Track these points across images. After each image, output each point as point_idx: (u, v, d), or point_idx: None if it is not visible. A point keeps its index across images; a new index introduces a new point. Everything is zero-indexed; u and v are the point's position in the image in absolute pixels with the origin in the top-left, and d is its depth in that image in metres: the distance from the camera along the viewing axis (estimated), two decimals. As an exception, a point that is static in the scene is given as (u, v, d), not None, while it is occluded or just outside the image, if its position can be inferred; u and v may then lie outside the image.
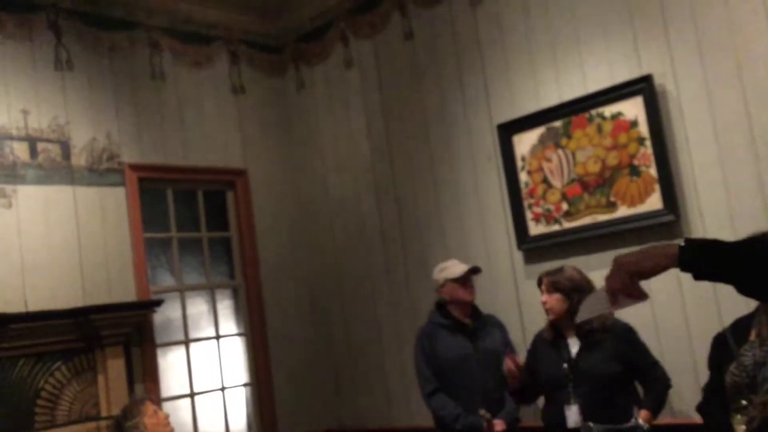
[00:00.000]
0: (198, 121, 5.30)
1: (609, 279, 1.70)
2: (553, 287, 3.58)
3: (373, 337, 5.27)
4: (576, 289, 3.50)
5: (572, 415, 3.46)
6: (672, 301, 3.84)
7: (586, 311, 1.94)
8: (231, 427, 5.23)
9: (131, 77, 5.01)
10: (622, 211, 4.02)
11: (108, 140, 4.80)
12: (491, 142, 4.58)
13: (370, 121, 5.31)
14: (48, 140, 4.55)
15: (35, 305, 4.28)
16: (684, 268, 1.61)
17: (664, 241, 1.88)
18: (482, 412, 3.68)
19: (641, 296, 1.69)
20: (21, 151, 4.43)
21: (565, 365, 3.50)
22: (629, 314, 3.33)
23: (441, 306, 4.10)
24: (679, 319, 3.85)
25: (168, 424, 3.65)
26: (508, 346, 3.99)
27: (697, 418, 3.00)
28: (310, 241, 5.69)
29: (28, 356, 4.20)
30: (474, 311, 4.10)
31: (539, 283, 3.68)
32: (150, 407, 3.73)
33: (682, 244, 1.62)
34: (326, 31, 5.57)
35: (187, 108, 5.27)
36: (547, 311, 3.62)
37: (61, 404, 4.29)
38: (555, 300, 3.57)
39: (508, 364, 3.66)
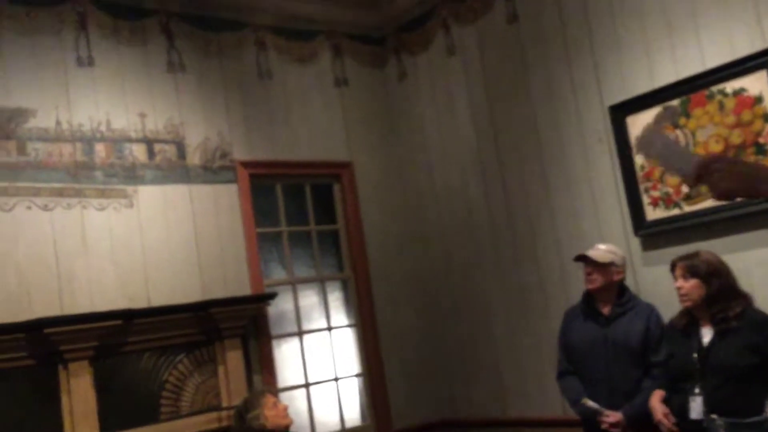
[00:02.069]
0: (304, 116, 5.38)
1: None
2: (690, 272, 3.37)
3: (484, 326, 5.21)
4: (714, 274, 3.32)
5: (696, 406, 3.29)
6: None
7: (662, 153, 1.79)
8: (345, 417, 5.30)
9: (239, 76, 5.13)
10: (749, 193, 3.79)
11: (220, 139, 4.93)
12: (603, 124, 4.42)
13: (475, 108, 5.23)
14: (164, 141, 4.72)
15: (157, 300, 4.46)
16: None
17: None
18: (584, 400, 3.62)
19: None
20: (139, 152, 4.61)
21: (695, 355, 3.33)
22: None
23: (587, 291, 4.00)
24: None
25: (287, 415, 3.73)
26: (651, 337, 3.78)
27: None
28: (417, 232, 5.67)
29: (152, 350, 4.38)
30: (620, 298, 3.92)
31: (672, 269, 3.48)
32: (270, 399, 3.82)
33: None
34: (428, 19, 5.53)
35: (293, 103, 5.35)
36: (683, 298, 3.40)
37: (184, 395, 4.46)
38: (691, 286, 3.36)
39: (657, 416, 3.47)
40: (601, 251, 3.96)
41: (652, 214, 4.18)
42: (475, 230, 5.26)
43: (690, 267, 3.39)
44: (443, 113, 5.47)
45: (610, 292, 3.90)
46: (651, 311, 3.87)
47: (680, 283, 3.41)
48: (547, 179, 4.77)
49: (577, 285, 4.26)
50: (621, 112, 4.30)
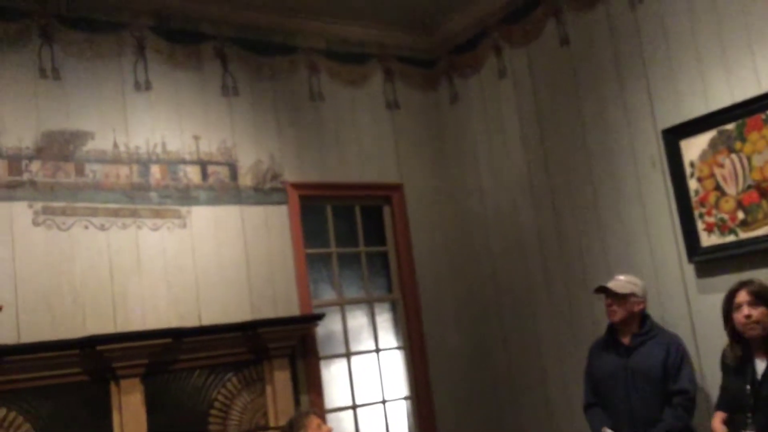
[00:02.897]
0: (354, 138, 5.43)
1: None
2: (758, 299, 3.23)
3: (533, 350, 5.14)
4: None
5: None
6: None
7: None
8: (392, 440, 5.28)
9: (291, 99, 5.21)
10: (808, 219, 3.67)
11: (271, 161, 5.01)
12: (656, 148, 4.34)
13: (526, 131, 5.20)
14: (217, 163, 4.82)
15: (208, 319, 4.54)
16: None
17: None
18: (604, 429, 3.71)
19: None
20: (194, 174, 4.72)
21: (748, 387, 3.22)
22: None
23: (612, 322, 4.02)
24: None
25: (331, 437, 3.74)
26: (671, 365, 3.74)
27: None
28: (467, 255, 5.64)
29: (202, 368, 4.45)
30: (641, 328, 3.90)
31: (732, 296, 3.34)
32: (314, 420, 3.83)
33: None
34: (479, 42, 5.53)
35: (344, 126, 5.40)
36: (752, 326, 3.23)
37: (233, 414, 4.51)
38: (760, 313, 3.21)
39: None
40: (621, 282, 3.96)
41: (707, 240, 4.07)
42: (525, 254, 5.20)
43: (758, 293, 3.24)
44: (494, 136, 5.45)
45: (631, 322, 3.92)
46: (671, 340, 3.85)
47: (749, 310, 3.24)
48: (599, 203, 4.70)
49: (628, 312, 4.18)
50: (675, 135, 4.21)
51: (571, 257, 4.88)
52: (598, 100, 4.69)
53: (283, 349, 4.66)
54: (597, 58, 4.69)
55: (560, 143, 4.95)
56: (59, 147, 4.32)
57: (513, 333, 5.31)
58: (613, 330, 4.00)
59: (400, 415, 5.39)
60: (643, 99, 4.42)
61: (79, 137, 4.40)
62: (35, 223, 4.17)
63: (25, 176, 4.19)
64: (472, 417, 5.42)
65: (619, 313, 3.91)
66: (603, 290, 3.97)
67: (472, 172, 5.62)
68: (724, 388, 3.43)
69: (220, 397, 4.49)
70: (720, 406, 3.46)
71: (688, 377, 3.75)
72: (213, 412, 4.45)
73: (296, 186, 5.07)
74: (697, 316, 4.11)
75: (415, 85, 5.81)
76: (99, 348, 4.04)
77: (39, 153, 4.25)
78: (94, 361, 4.07)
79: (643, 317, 3.95)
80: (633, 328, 3.92)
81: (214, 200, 4.75)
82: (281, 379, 4.64)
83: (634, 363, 3.82)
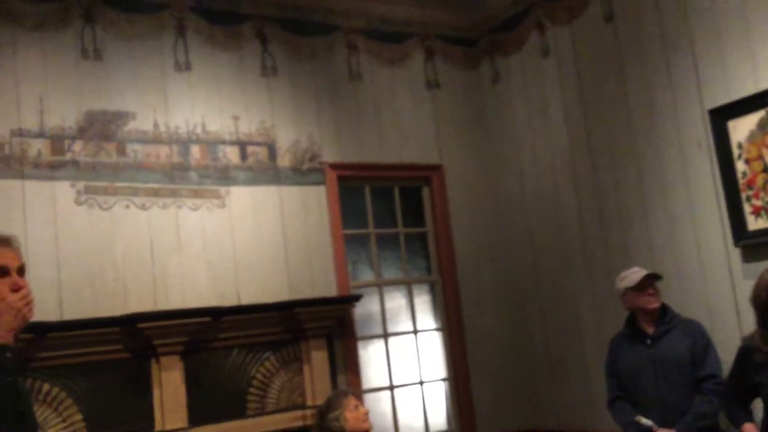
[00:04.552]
0: (394, 119, 5.38)
1: None
2: None
3: (574, 335, 5.07)
4: None
5: None
6: None
7: None
8: (430, 421, 5.27)
9: (330, 79, 5.19)
10: None
11: (310, 141, 5.01)
12: (702, 128, 4.21)
13: (569, 110, 5.09)
14: (256, 143, 4.83)
15: (246, 299, 4.58)
16: None
17: None
18: (638, 418, 3.63)
19: None
20: (233, 154, 4.74)
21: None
22: None
23: (631, 315, 3.93)
24: None
25: (367, 420, 3.72)
26: (698, 351, 3.67)
27: None
28: (506, 237, 5.58)
29: (240, 346, 4.50)
30: (663, 317, 3.81)
31: None
32: (352, 401, 3.83)
33: None
34: (521, 19, 5.43)
35: (383, 106, 5.37)
36: None
37: (270, 392, 4.55)
38: None
39: None
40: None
41: (754, 224, 3.95)
42: (566, 235, 5.12)
43: None
44: (536, 116, 5.35)
45: (657, 312, 3.80)
46: (695, 326, 3.80)
47: None
48: (643, 184, 4.59)
49: (671, 294, 4.09)
50: (722, 116, 4.07)
51: (613, 239, 4.78)
52: (643, 79, 4.56)
53: (320, 329, 4.68)
54: (642, 35, 4.56)
55: (604, 123, 4.84)
56: (101, 127, 4.37)
57: (552, 316, 5.24)
58: (633, 321, 3.92)
59: (437, 397, 5.39)
60: (689, 78, 4.28)
61: (120, 117, 4.45)
62: (77, 203, 4.24)
63: (68, 156, 4.26)
64: (510, 400, 5.38)
65: (659, 301, 3.84)
66: (656, 277, 3.87)
67: (512, 152, 5.53)
68: (750, 383, 3.28)
69: (258, 376, 4.54)
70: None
71: (715, 361, 3.70)
72: (251, 390, 4.50)
73: (335, 166, 5.06)
74: (742, 302, 3.99)
75: (455, 65, 5.74)
76: (140, 326, 4.10)
77: (81, 133, 4.31)
78: (135, 339, 4.14)
79: (663, 306, 3.88)
80: (656, 317, 3.85)
81: (253, 180, 4.76)
82: (318, 358, 4.66)
83: (661, 352, 3.75)
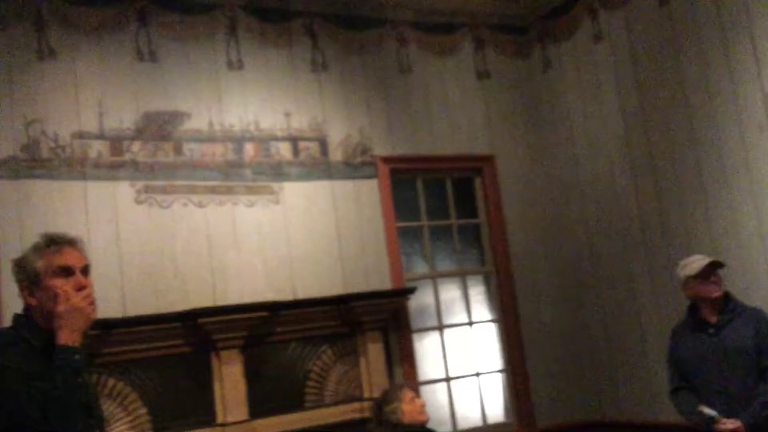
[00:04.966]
0: (444, 110, 5.37)
1: None
2: None
3: (634, 325, 4.99)
4: None
5: None
6: None
7: None
8: (487, 413, 5.26)
9: (380, 73, 5.20)
10: None
11: (361, 135, 5.03)
12: (763, 111, 4.09)
13: (624, 96, 5.00)
14: (308, 139, 4.88)
15: (302, 293, 4.63)
16: None
17: None
18: (701, 407, 3.55)
19: None
20: (285, 150, 4.80)
21: None
22: None
23: (693, 303, 3.82)
24: None
25: (424, 412, 3.74)
26: (762, 340, 3.56)
27: None
28: (561, 226, 5.52)
29: (297, 340, 4.56)
30: (726, 306, 3.70)
31: None
32: (408, 394, 3.84)
33: None
34: (573, 5, 5.35)
35: (434, 98, 5.35)
36: None
37: (328, 385, 4.60)
38: None
39: None
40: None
41: (821, 208, 3.82)
42: (624, 223, 5.03)
43: None
44: (589, 103, 5.27)
45: (720, 300, 3.69)
46: (758, 314, 3.67)
47: None
48: (702, 170, 4.48)
49: (733, 281, 3.99)
50: (784, 97, 3.95)
51: (673, 227, 4.69)
52: (700, 63, 4.45)
53: (376, 323, 4.71)
54: (698, 16, 4.44)
55: (661, 109, 4.74)
56: (158, 127, 4.47)
57: (611, 306, 5.16)
58: (695, 310, 3.82)
59: (494, 388, 5.37)
60: (748, 59, 4.16)
61: (176, 117, 4.54)
62: (137, 202, 4.35)
63: (127, 156, 4.37)
64: (569, 391, 5.33)
65: (721, 289, 3.74)
66: (718, 265, 3.77)
67: (566, 141, 5.46)
68: None
69: (315, 369, 4.59)
70: None
71: None
72: (309, 383, 4.56)
73: (386, 159, 5.08)
74: (809, 289, 3.88)
75: (506, 53, 5.68)
76: (200, 321, 4.19)
77: (139, 133, 4.42)
78: (195, 334, 4.23)
79: (726, 294, 3.77)
80: (718, 305, 3.74)
81: (306, 176, 4.81)
82: (374, 351, 4.69)
83: (724, 341, 3.64)
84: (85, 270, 2.10)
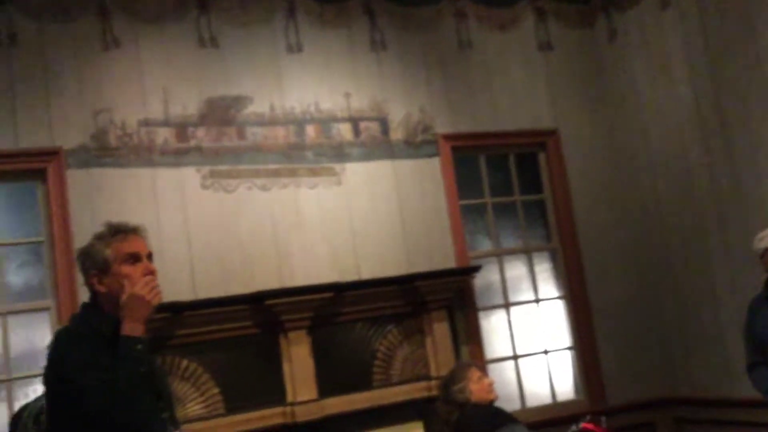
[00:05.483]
0: (506, 85, 5.27)
1: None
2: None
3: (708, 299, 4.85)
4: None
5: None
6: None
7: None
8: (557, 390, 5.20)
9: (440, 49, 5.14)
10: None
11: (421, 113, 4.99)
12: None
13: (694, 65, 4.81)
14: (368, 119, 4.87)
15: (366, 273, 4.65)
16: None
17: None
18: None
19: None
20: (346, 131, 4.80)
21: None
22: None
23: None
24: None
25: (492, 390, 3.72)
26: None
27: None
28: (630, 200, 5.38)
29: (363, 320, 4.59)
30: None
31: None
32: (475, 373, 3.83)
33: None
34: (638, -29, 5.17)
35: (495, 72, 5.26)
36: None
37: (395, 364, 4.62)
38: None
39: None
40: None
41: None
42: (696, 197, 4.87)
43: None
44: (657, 73, 5.10)
45: None
46: None
47: None
48: (778, 139, 4.30)
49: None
50: None
51: (748, 198, 4.51)
52: (775, 26, 4.25)
53: (441, 301, 4.70)
54: (774, -22, 4.24)
55: (733, 76, 4.55)
56: (221, 112, 4.53)
57: (684, 282, 5.02)
58: None
59: (563, 366, 5.30)
60: (829, 20, 3.95)
61: (238, 102, 4.59)
62: (203, 187, 4.43)
63: (192, 142, 4.44)
64: (640, 368, 5.22)
65: None
66: None
67: (633, 112, 5.31)
68: None
69: (382, 348, 4.61)
70: None
71: None
72: (376, 362, 4.58)
73: (447, 137, 5.03)
74: None
75: (569, 24, 5.54)
76: (267, 303, 4.25)
77: (203, 119, 4.49)
78: (263, 315, 4.30)
79: None
80: None
81: (367, 156, 4.81)
82: (440, 330, 4.68)
83: None
84: (150, 257, 2.15)
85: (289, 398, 4.31)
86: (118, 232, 2.13)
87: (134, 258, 2.10)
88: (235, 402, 4.20)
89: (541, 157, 5.39)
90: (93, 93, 4.30)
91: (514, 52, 5.35)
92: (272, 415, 4.25)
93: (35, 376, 3.80)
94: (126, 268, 2.08)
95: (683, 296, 5.04)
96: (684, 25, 4.86)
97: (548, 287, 5.37)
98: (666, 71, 5.01)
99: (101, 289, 2.10)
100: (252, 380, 4.27)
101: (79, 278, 2.18)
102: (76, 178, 4.19)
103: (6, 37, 4.21)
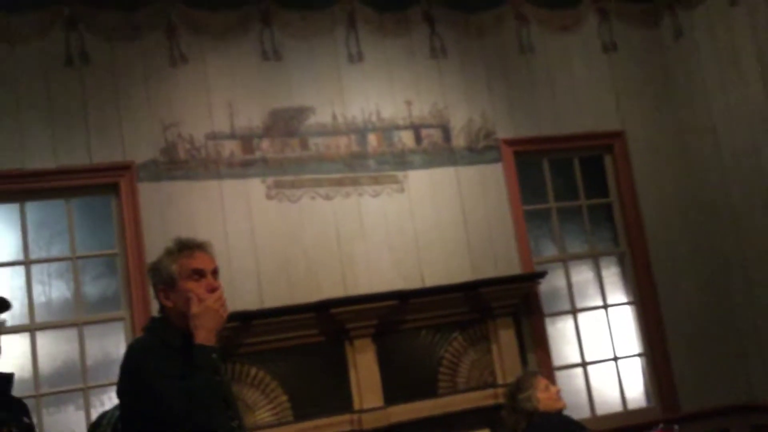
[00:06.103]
0: (568, 87, 5.21)
1: None
2: None
3: (785, 304, 4.68)
4: None
5: None
6: None
7: None
8: (627, 397, 5.09)
9: (501, 54, 5.11)
10: None
11: (483, 119, 4.97)
12: None
13: (765, 61, 4.66)
14: (430, 126, 4.87)
15: (430, 280, 4.65)
16: None
17: None
18: None
19: None
20: (407, 138, 4.82)
21: None
22: None
23: None
24: None
25: (560, 398, 3.67)
26: None
27: None
28: (700, 202, 5.24)
29: (428, 327, 4.58)
30: None
31: None
32: (542, 381, 3.78)
33: None
34: (704, -34, 5.04)
35: (557, 75, 5.20)
36: None
37: (460, 371, 4.60)
38: None
39: None
40: None
41: None
42: (770, 197, 4.72)
43: None
44: (726, 70, 4.95)
45: None
46: None
47: None
48: None
49: None
50: None
51: (826, 199, 4.35)
52: None
53: (506, 308, 4.66)
54: None
55: (807, 71, 4.39)
56: (285, 124, 4.61)
57: (759, 287, 4.86)
58: None
59: (634, 372, 5.18)
60: None
61: (301, 113, 4.66)
62: (268, 197, 4.51)
63: (257, 154, 4.53)
64: (715, 374, 5.06)
65: None
66: None
67: (702, 112, 5.16)
68: None
69: (447, 355, 4.60)
70: None
71: None
72: (441, 369, 4.57)
73: (510, 142, 4.99)
74: None
75: (633, 23, 5.43)
76: (332, 311, 4.29)
77: (267, 131, 4.57)
78: (328, 323, 4.34)
79: None
80: None
81: (429, 163, 4.81)
82: (506, 337, 4.65)
83: None
84: (215, 272, 2.20)
85: (356, 406, 4.34)
86: (184, 248, 2.19)
87: (198, 274, 2.16)
88: (302, 409, 4.25)
89: (607, 160, 5.29)
90: (162, 108, 4.43)
91: (577, 54, 5.27)
92: (339, 422, 4.29)
93: (110, 384, 3.93)
94: (190, 284, 2.13)
95: (758, 300, 4.88)
96: (753, 20, 4.72)
97: (616, 292, 5.27)
98: (736, 70, 4.87)
99: (168, 303, 2.17)
100: (319, 387, 4.32)
101: (152, 290, 2.25)
102: (147, 191, 4.32)
103: (78, 57, 4.37)
